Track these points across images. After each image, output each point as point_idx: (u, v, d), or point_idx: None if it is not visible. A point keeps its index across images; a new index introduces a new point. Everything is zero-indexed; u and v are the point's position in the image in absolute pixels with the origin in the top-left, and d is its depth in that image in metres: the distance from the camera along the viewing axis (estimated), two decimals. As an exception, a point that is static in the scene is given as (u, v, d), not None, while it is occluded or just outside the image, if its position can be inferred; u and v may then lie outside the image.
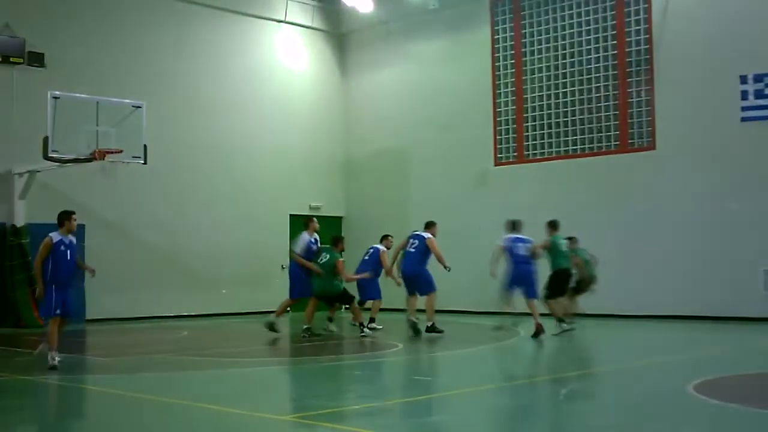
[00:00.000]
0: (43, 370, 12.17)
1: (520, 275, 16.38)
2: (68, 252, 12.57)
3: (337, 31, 27.37)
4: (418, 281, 16.70)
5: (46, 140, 17.14)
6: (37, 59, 20.76)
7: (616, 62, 21.42)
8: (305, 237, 16.74)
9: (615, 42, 21.45)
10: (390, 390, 9.75)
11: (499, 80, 23.53)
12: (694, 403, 8.89)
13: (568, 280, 17.23)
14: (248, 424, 8.43)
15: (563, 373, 12.18)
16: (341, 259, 16.41)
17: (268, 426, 8.40)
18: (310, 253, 16.57)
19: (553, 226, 17.10)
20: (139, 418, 8.84)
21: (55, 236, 12.56)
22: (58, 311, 12.46)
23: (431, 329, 16.25)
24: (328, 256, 16.41)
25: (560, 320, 16.64)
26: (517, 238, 16.65)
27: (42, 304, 12.73)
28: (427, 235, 16.78)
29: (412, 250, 16.73)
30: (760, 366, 12.22)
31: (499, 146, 23.40)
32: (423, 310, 16.62)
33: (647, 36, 20.93)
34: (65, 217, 12.70)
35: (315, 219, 17.40)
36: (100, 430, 8.57)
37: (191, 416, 8.97)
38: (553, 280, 16.81)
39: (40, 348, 12.87)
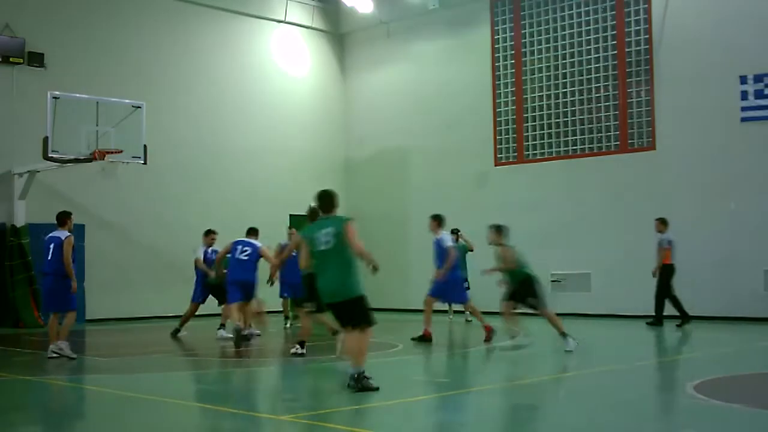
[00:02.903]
0: (43, 370, 12.22)
1: None
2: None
3: (337, 31, 27.37)
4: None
5: (46, 140, 17.17)
6: (36, 59, 20.76)
7: (616, 62, 21.41)
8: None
9: (615, 42, 21.44)
10: (392, 390, 9.73)
11: (499, 80, 23.52)
12: (695, 402, 8.88)
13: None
14: (246, 425, 8.43)
15: (562, 373, 12.17)
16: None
17: (266, 426, 8.40)
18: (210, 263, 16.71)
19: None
20: (137, 418, 8.83)
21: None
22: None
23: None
24: None
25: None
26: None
27: (70, 298, 13.25)
28: (258, 244, 15.85)
29: (244, 257, 15.77)
30: (761, 366, 12.23)
31: (499, 146, 23.40)
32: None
33: (647, 36, 20.94)
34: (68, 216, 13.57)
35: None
36: (99, 430, 8.57)
37: (190, 416, 8.98)
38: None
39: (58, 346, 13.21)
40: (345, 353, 10.02)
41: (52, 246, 13.25)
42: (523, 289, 14.22)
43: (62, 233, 13.31)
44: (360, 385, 9.45)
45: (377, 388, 9.49)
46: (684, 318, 17.86)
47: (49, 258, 13.24)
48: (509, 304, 14.46)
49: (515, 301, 14.39)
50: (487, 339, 15.11)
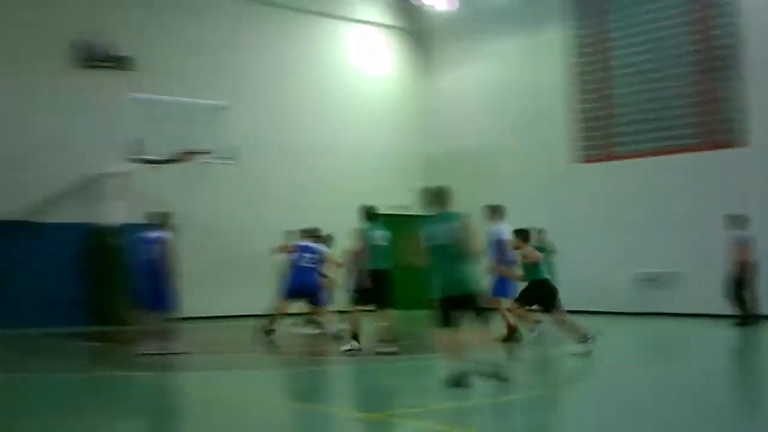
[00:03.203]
0: (138, 366, 12.45)
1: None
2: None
3: (416, 29, 27.33)
4: None
5: (134, 142, 17.45)
6: (126, 63, 21.16)
7: (702, 56, 20.89)
8: None
9: (699, 36, 20.91)
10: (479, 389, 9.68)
11: (581, 77, 23.22)
12: None
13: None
14: (333, 423, 8.45)
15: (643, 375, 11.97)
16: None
17: (356, 424, 8.41)
18: None
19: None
20: (230, 416, 8.93)
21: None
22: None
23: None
24: None
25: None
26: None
27: (169, 298, 13.79)
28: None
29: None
30: None
31: (579, 144, 23.09)
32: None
33: (736, 28, 20.35)
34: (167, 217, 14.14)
35: None
36: (193, 426, 8.68)
37: (278, 415, 9.05)
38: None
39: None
40: (444, 350, 9.97)
41: (153, 246, 13.52)
42: (538, 291, 13.98)
43: (163, 234, 13.66)
44: (496, 376, 9.75)
45: (454, 384, 9.57)
46: (747, 318, 17.38)
47: (150, 257, 13.50)
48: (520, 305, 14.32)
49: (527, 302, 14.24)
50: (507, 339, 14.64)
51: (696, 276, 20.46)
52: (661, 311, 20.67)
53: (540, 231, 18.73)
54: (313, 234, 17.07)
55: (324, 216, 19.65)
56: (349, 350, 13.59)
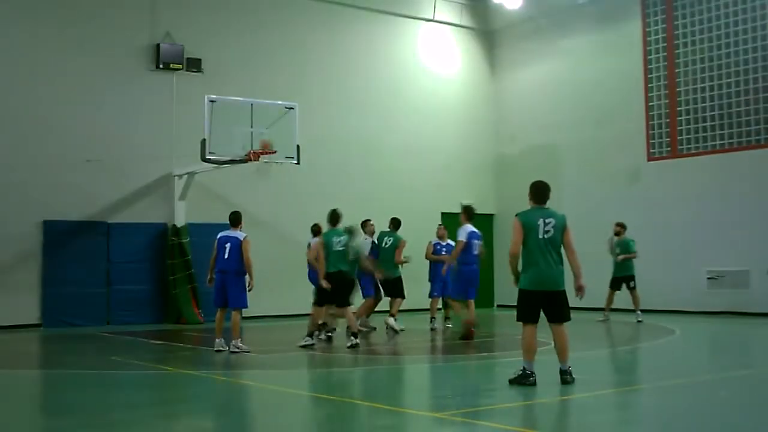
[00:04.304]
0: (205, 364, 12.68)
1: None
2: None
3: (486, 28, 27.28)
4: None
5: (203, 143, 17.67)
6: (194, 65, 21.53)
7: (774, 52, 20.57)
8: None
9: (773, 31, 20.61)
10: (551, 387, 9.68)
11: (651, 73, 22.95)
12: None
13: None
14: (397, 421, 8.51)
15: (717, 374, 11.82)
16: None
17: (418, 423, 8.46)
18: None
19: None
20: (292, 413, 9.07)
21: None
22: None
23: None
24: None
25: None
26: (474, 232, 15.76)
27: (244, 296, 14.07)
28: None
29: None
30: None
31: (651, 141, 22.83)
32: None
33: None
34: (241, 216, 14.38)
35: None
36: (255, 423, 8.82)
37: (339, 412, 9.13)
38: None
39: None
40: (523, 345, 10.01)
41: (228, 245, 13.86)
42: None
43: (239, 233, 13.97)
44: (571, 377, 9.84)
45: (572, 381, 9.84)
46: None
47: (227, 257, 13.83)
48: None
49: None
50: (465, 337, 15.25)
51: (764, 275, 20.13)
52: (730, 310, 20.37)
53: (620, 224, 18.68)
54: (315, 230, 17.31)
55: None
56: (304, 345, 14.44)
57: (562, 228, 9.94)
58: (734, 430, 8.01)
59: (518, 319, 10.01)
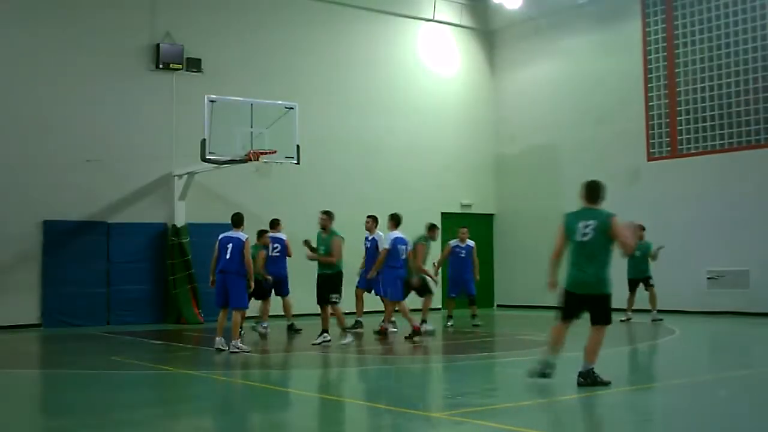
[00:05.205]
0: (205, 364, 12.67)
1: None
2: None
3: (486, 28, 27.28)
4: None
5: (203, 143, 17.66)
6: (194, 65, 21.53)
7: (774, 52, 20.57)
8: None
9: (772, 31, 20.61)
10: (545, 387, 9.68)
11: (651, 73, 22.95)
12: None
13: None
14: (398, 421, 8.52)
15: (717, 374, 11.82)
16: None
17: (418, 423, 8.46)
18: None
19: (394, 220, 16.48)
20: (293, 413, 9.07)
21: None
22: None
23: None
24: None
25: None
26: (400, 238, 16.15)
27: (245, 296, 14.26)
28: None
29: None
30: None
31: (651, 141, 22.83)
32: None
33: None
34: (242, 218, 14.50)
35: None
36: (256, 423, 8.83)
37: (342, 412, 9.14)
38: None
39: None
40: (551, 346, 9.95)
41: (230, 246, 13.93)
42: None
43: (241, 234, 14.04)
44: (590, 380, 9.61)
45: (609, 383, 9.61)
46: None
47: (228, 257, 13.89)
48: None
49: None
50: (411, 336, 15.58)
51: (764, 275, 20.15)
52: (730, 310, 20.38)
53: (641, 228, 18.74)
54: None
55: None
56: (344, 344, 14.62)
57: (603, 229, 9.67)
58: (734, 429, 8.02)
59: (556, 315, 10.00)
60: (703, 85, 21.82)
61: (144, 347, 15.97)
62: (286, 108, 18.80)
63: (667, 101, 22.52)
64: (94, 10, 20.66)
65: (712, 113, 21.60)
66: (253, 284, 14.20)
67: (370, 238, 17.16)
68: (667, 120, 22.51)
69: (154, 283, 20.86)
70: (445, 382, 11.68)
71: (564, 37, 25.27)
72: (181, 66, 21.33)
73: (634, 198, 22.43)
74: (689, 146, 22.04)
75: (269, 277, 16.84)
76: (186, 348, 15.99)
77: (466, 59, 26.97)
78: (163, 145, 21.07)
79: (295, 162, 18.72)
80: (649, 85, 22.91)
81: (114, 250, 20.41)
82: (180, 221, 20.83)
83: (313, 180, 22.63)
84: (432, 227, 17.51)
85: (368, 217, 17.35)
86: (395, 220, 16.37)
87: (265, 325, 17.10)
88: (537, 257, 24.68)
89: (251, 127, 18.16)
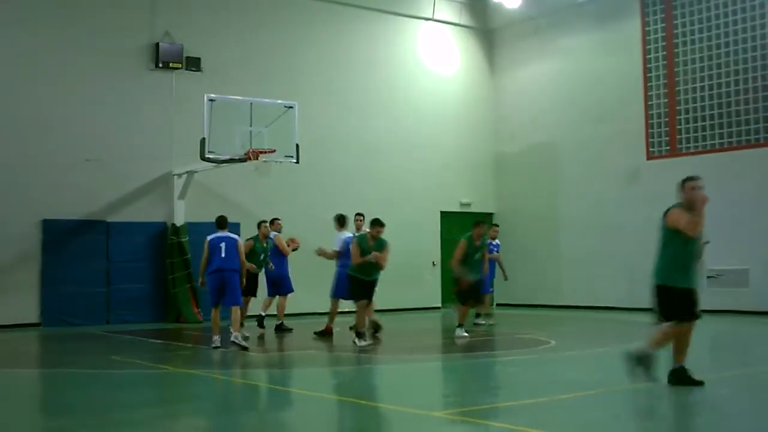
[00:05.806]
0: (204, 363, 12.68)
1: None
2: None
3: (485, 27, 27.28)
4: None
5: (203, 142, 17.68)
6: (194, 64, 21.54)
7: (772, 51, 20.56)
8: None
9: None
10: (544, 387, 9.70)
11: (651, 72, 22.95)
12: None
13: None
14: (397, 420, 8.52)
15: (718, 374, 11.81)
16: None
17: (421, 422, 8.47)
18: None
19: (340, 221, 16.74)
20: (291, 413, 9.07)
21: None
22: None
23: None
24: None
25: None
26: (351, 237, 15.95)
27: (240, 293, 14.48)
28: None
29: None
30: None
31: (651, 140, 22.84)
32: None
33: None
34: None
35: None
36: (256, 422, 8.83)
37: (342, 411, 9.14)
38: None
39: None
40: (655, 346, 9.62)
41: (224, 245, 14.15)
42: None
43: (232, 234, 14.40)
44: (678, 378, 9.49)
45: (702, 382, 9.50)
46: None
47: (224, 256, 14.09)
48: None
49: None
50: (322, 334, 16.09)
51: (764, 273, 20.15)
52: (730, 309, 20.38)
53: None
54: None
55: (392, 214, 19.64)
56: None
57: (662, 222, 10.03)
58: (734, 429, 8.02)
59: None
60: (702, 84, 21.82)
61: (143, 346, 15.97)
62: (285, 107, 18.81)
63: (666, 100, 22.52)
64: (94, 10, 20.67)
65: (712, 112, 21.61)
66: (244, 281, 14.49)
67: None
68: (667, 119, 22.51)
69: (154, 282, 20.89)
70: (445, 382, 11.68)
71: (563, 36, 25.28)
72: (180, 65, 21.34)
73: (634, 197, 22.49)
74: (689, 145, 22.04)
75: (272, 265, 17.08)
76: (185, 347, 16.00)
77: (466, 58, 26.97)
78: (163, 144, 21.09)
79: (295, 161, 18.72)
80: (649, 84, 22.92)
81: (113, 250, 20.43)
82: (179, 220, 20.84)
83: (312, 179, 22.66)
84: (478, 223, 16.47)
85: (357, 215, 17.31)
86: (341, 221, 16.61)
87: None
88: (536, 256, 24.94)
89: (251, 126, 18.16)
